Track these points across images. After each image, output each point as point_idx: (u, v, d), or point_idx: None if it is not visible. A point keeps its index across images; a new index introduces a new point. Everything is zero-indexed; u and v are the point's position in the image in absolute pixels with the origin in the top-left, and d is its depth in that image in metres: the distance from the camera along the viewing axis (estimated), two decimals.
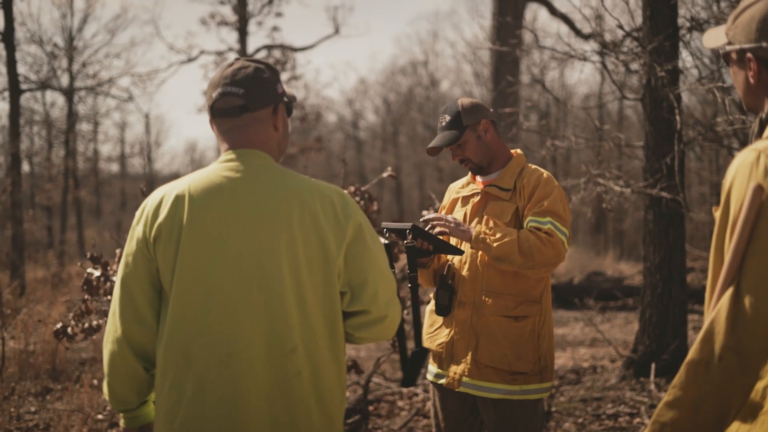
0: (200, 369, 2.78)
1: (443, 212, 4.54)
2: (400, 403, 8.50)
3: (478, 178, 4.43)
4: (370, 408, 7.91)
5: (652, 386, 8.48)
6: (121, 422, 3.08)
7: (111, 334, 2.94)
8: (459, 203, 4.46)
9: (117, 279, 2.94)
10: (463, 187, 4.51)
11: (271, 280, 2.78)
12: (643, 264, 9.27)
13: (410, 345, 8.69)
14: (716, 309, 2.25)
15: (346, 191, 6.85)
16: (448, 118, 4.34)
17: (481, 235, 4.04)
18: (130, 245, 2.91)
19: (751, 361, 2.21)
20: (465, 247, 4.26)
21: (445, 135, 4.32)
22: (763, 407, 2.32)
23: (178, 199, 2.84)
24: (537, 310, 4.20)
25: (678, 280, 8.95)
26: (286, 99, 3.06)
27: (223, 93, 2.93)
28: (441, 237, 4.25)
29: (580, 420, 7.59)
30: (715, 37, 2.67)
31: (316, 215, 2.82)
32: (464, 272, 4.25)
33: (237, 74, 2.94)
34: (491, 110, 4.44)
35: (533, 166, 4.34)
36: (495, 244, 4.00)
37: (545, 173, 4.28)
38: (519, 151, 4.45)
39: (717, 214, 2.36)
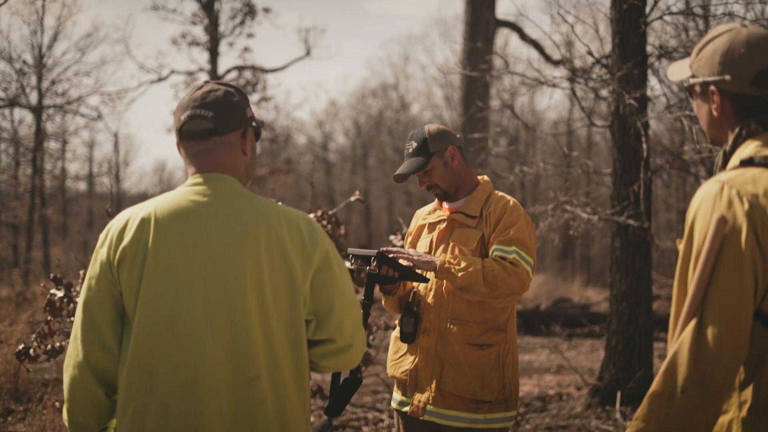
0: (164, 395, 2.73)
1: (410, 238, 4.53)
2: (365, 429, 8.45)
3: (445, 205, 4.42)
4: None
5: (618, 415, 8.49)
6: None
7: (72, 359, 2.88)
8: (425, 230, 4.44)
9: (79, 302, 2.88)
10: (430, 213, 4.48)
11: (237, 306, 2.74)
12: (610, 291, 9.29)
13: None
14: (679, 341, 2.24)
15: (313, 215, 6.84)
16: (414, 144, 4.32)
17: (446, 265, 4.02)
18: (94, 268, 2.86)
19: (715, 393, 2.20)
20: (430, 275, 4.24)
21: (412, 162, 4.30)
22: None
23: (144, 223, 2.80)
24: (502, 338, 4.19)
25: (644, 308, 8.97)
26: (254, 123, 3.03)
27: (192, 116, 2.89)
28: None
29: None
30: (680, 70, 2.68)
31: (283, 242, 2.79)
32: (429, 299, 4.23)
33: (206, 97, 2.90)
34: (458, 136, 4.43)
35: (500, 194, 4.33)
36: (459, 274, 3.98)
37: (511, 201, 4.27)
38: (486, 177, 4.44)
39: (681, 245, 2.36)
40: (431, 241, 4.34)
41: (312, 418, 8.32)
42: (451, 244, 4.23)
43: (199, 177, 2.89)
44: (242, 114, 2.95)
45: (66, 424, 2.96)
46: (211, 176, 2.88)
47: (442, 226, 4.33)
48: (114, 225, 2.87)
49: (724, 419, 2.32)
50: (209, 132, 2.88)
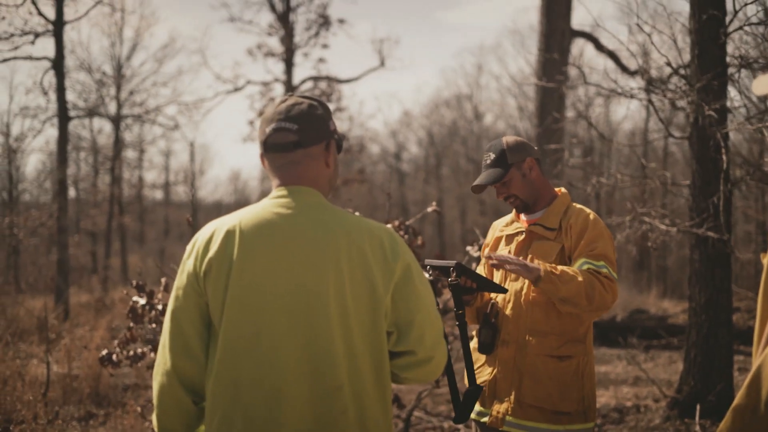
0: (249, 404, 2.78)
1: (487, 250, 4.54)
2: None
3: (523, 217, 4.41)
4: None
5: (698, 428, 8.38)
6: None
7: (161, 367, 2.95)
8: (503, 241, 4.44)
9: (167, 312, 2.96)
10: (507, 225, 4.48)
11: (319, 319, 2.78)
12: (689, 304, 9.18)
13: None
14: (764, 354, 2.24)
15: (390, 226, 6.88)
16: (492, 156, 4.33)
17: (550, 276, 3.98)
18: (181, 279, 2.93)
19: None
20: (509, 285, 4.25)
21: (490, 173, 4.30)
22: None
23: (229, 235, 2.85)
24: (581, 349, 4.18)
25: (724, 322, 8.85)
26: (336, 135, 3.07)
27: (277, 128, 2.94)
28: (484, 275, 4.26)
29: None
30: (766, 84, 2.67)
31: (365, 254, 2.82)
32: (508, 311, 4.22)
33: (291, 110, 2.95)
34: (536, 148, 4.43)
35: (578, 206, 4.32)
36: (563, 286, 3.96)
37: (592, 214, 4.26)
38: (563, 189, 4.43)
39: (766, 259, 2.36)
40: (509, 252, 4.33)
41: None
42: (529, 256, 4.23)
43: (284, 189, 2.94)
44: (326, 126, 2.99)
45: (156, 430, 3.03)
46: (294, 189, 2.93)
47: (521, 237, 4.33)
48: (200, 237, 2.94)
49: None
50: (294, 144, 2.92)
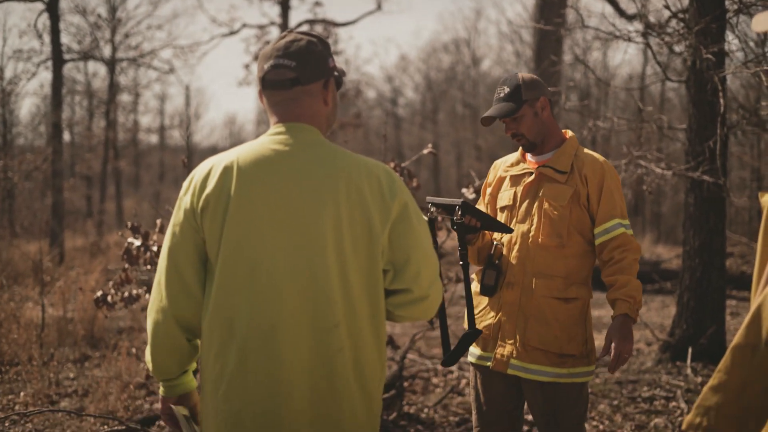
0: (244, 340, 2.79)
1: (489, 189, 4.46)
2: (434, 380, 8.52)
3: (530, 158, 4.34)
4: (405, 384, 7.92)
5: (689, 370, 8.44)
6: (161, 390, 3.09)
7: (156, 303, 2.95)
8: (507, 182, 4.35)
9: (163, 249, 2.94)
10: (512, 165, 4.39)
11: (316, 256, 2.78)
12: (683, 248, 9.20)
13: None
14: (763, 294, 2.23)
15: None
16: (507, 89, 4.23)
17: (636, 311, 4.04)
18: (178, 215, 2.91)
19: None
20: (515, 226, 4.20)
21: (503, 107, 4.21)
22: None
23: (227, 171, 2.84)
24: (585, 292, 4.18)
25: (717, 265, 8.88)
26: (336, 73, 3.04)
27: (275, 65, 2.91)
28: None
29: (615, 402, 7.57)
30: (765, 21, 2.63)
31: (362, 192, 2.81)
32: (514, 253, 4.18)
33: (290, 47, 2.92)
34: (549, 89, 4.35)
35: (588, 151, 4.27)
36: (640, 298, 4.04)
37: (605, 160, 4.22)
38: (571, 132, 4.36)
39: (765, 199, 2.34)
40: (515, 194, 4.27)
41: None
42: (540, 198, 4.17)
43: (282, 126, 2.92)
44: (324, 64, 2.96)
45: (148, 366, 3.04)
46: (293, 126, 2.91)
47: (529, 179, 4.25)
48: (197, 173, 2.92)
49: None
50: (292, 81, 2.90)
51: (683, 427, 2.29)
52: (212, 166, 2.89)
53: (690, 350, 8.73)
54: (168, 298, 2.91)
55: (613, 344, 3.95)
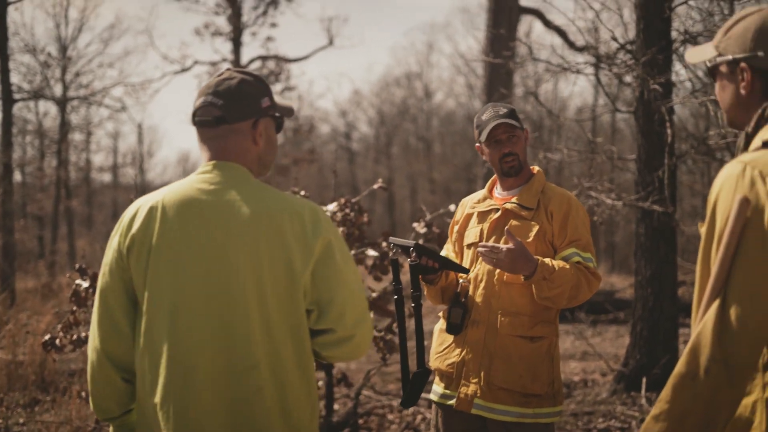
0: (167, 382, 2.80)
1: (456, 227, 4.43)
2: (390, 417, 8.46)
3: (496, 194, 4.32)
4: (360, 421, 7.88)
5: (643, 400, 8.47)
6: (111, 430, 3.10)
7: (91, 343, 2.97)
8: (474, 219, 4.33)
9: (97, 290, 2.96)
10: (479, 202, 4.36)
11: (235, 297, 2.79)
12: (635, 277, 9.26)
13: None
14: (703, 321, 2.23)
15: (336, 204, 6.84)
16: (504, 110, 4.21)
17: (543, 280, 3.91)
18: (107, 256, 2.94)
19: (738, 374, 2.19)
20: (480, 264, 4.16)
21: (509, 120, 4.18)
22: (753, 423, 2.31)
23: (152, 211, 2.87)
24: (552, 330, 4.13)
25: (669, 294, 8.94)
26: (275, 113, 3.05)
27: (203, 103, 2.94)
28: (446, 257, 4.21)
29: None
30: (700, 52, 2.67)
31: (283, 231, 2.81)
32: (479, 291, 4.14)
33: (220, 85, 2.95)
34: None
35: (555, 186, 4.27)
36: (550, 291, 3.93)
37: (572, 196, 4.21)
38: (538, 168, 4.35)
39: (703, 228, 2.36)
40: (482, 230, 4.24)
41: (336, 406, 8.34)
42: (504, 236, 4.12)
43: (209, 165, 2.94)
44: (255, 103, 2.97)
45: (92, 408, 3.04)
46: (220, 164, 2.93)
47: (495, 215, 4.23)
48: (126, 214, 2.95)
49: (747, 401, 2.31)
50: (217, 120, 2.92)
51: None
52: (139, 207, 2.92)
53: (644, 380, 8.75)
54: (100, 338, 2.93)
55: (507, 246, 3.89)
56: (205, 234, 2.81)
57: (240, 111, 2.93)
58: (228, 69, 3.05)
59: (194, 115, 2.97)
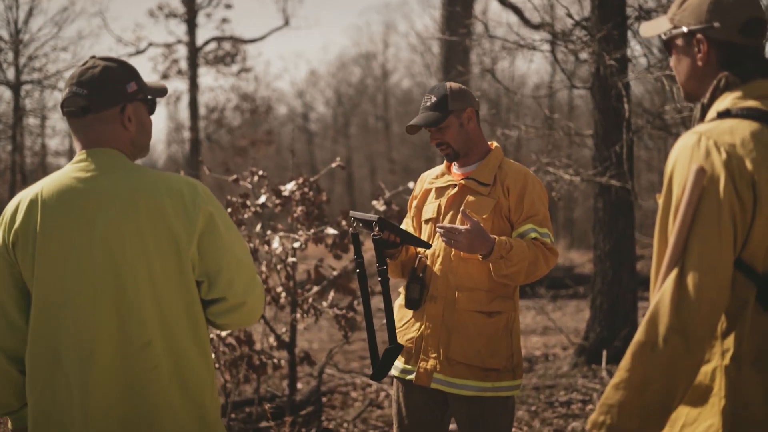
0: (67, 369, 2.84)
1: (415, 202, 4.43)
2: (353, 394, 8.50)
3: (454, 170, 4.31)
4: (324, 399, 7.90)
5: (604, 373, 8.56)
6: (10, 424, 3.12)
7: None
8: (432, 194, 4.32)
9: None
10: (437, 177, 4.36)
11: (124, 278, 2.83)
12: (593, 252, 9.34)
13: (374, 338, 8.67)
14: (661, 291, 2.26)
15: (294, 183, 6.83)
16: (434, 98, 4.20)
17: (501, 258, 3.91)
18: None
19: (696, 342, 2.22)
20: (437, 240, 4.16)
21: (429, 116, 4.18)
22: (712, 390, 2.34)
23: (32, 204, 2.89)
24: (511, 305, 4.13)
25: (628, 268, 9.03)
26: (145, 96, 3.06)
27: (69, 93, 2.96)
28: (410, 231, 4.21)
29: (533, 408, 7.64)
30: (655, 26, 2.69)
31: (164, 209, 2.85)
32: (437, 266, 4.14)
33: (84, 74, 2.96)
34: (477, 100, 4.33)
35: (513, 162, 4.27)
36: (507, 269, 3.93)
37: (529, 172, 4.21)
38: (496, 144, 4.33)
39: (660, 199, 2.38)
40: (439, 206, 4.24)
41: (300, 385, 8.36)
42: (463, 210, 4.11)
43: (83, 153, 2.96)
44: (120, 89, 2.98)
45: None
46: (93, 151, 2.95)
47: (452, 191, 4.22)
48: (8, 208, 2.97)
49: (707, 368, 2.35)
50: (83, 110, 2.94)
51: (588, 426, 2.31)
52: (20, 201, 2.94)
53: (605, 353, 8.85)
54: None
55: (465, 227, 3.89)
56: (88, 221, 2.84)
57: (104, 99, 2.95)
58: (92, 57, 3.06)
59: (62, 106, 2.99)
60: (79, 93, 2.93)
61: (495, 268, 3.95)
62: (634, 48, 10.24)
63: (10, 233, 2.89)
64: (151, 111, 3.12)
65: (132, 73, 3.03)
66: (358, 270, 4.20)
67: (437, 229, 3.95)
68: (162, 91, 3.15)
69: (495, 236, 3.94)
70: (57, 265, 2.84)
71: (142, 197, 2.85)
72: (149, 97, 3.08)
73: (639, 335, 2.27)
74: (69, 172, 2.92)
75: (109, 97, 2.95)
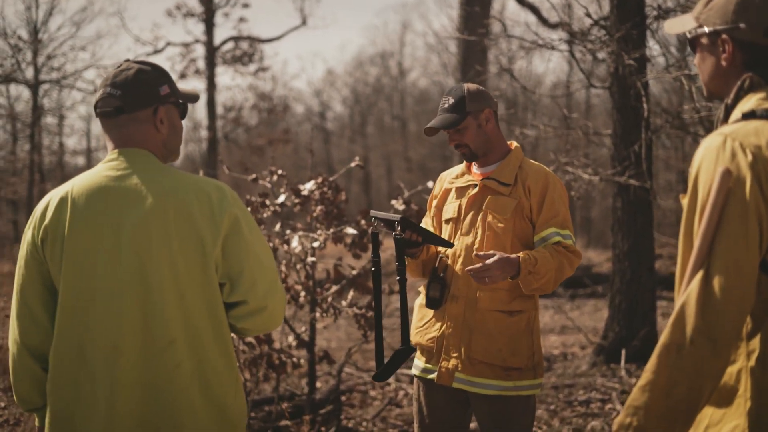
0: (92, 364, 2.88)
1: (435, 201, 4.43)
2: (372, 393, 8.51)
3: (474, 169, 4.31)
4: (343, 398, 7.91)
5: (623, 372, 8.54)
6: (36, 421, 3.15)
7: (11, 335, 3.03)
8: (453, 194, 4.32)
9: (14, 284, 3.04)
10: (457, 177, 4.36)
11: (150, 278, 2.87)
12: (612, 251, 9.33)
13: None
14: (686, 293, 2.26)
15: (314, 182, 6.84)
16: (451, 100, 4.21)
17: (528, 276, 3.91)
18: (22, 250, 3.01)
19: (722, 344, 2.22)
20: (459, 239, 4.17)
21: (446, 117, 4.20)
22: (737, 391, 2.34)
23: (62, 202, 2.94)
24: (531, 304, 4.14)
25: (646, 267, 9.01)
26: (177, 100, 3.12)
27: (103, 94, 3.01)
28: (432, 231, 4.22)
29: (552, 407, 7.63)
30: (680, 24, 2.68)
31: (191, 210, 2.89)
32: (458, 266, 4.14)
33: (118, 76, 3.02)
34: (495, 101, 4.33)
35: (533, 161, 4.27)
36: (536, 283, 3.94)
37: (550, 171, 4.21)
38: (516, 144, 4.34)
39: (685, 200, 2.38)
40: (460, 206, 4.24)
41: (319, 383, 8.37)
42: (484, 210, 4.14)
43: (115, 152, 3.01)
44: (153, 91, 3.04)
45: (15, 399, 3.11)
46: (125, 151, 3.00)
47: (473, 191, 4.22)
48: (38, 206, 3.02)
49: (732, 369, 2.34)
50: (117, 110, 3.00)
51: (614, 427, 2.31)
52: (50, 199, 2.99)
53: (623, 352, 8.83)
54: (19, 329, 2.99)
55: (491, 260, 3.87)
56: (116, 219, 2.88)
57: (138, 100, 3.00)
58: (126, 60, 3.12)
59: (96, 107, 3.04)
60: (113, 94, 2.98)
61: (525, 283, 3.95)
62: (653, 48, 10.22)
63: (40, 230, 2.93)
64: (183, 115, 3.17)
65: (165, 77, 3.09)
66: (374, 269, 4.21)
67: (468, 271, 3.93)
68: (194, 97, 3.20)
69: (517, 255, 3.94)
70: (84, 263, 2.87)
71: (170, 198, 2.89)
72: (180, 101, 3.13)
73: (665, 337, 2.27)
74: (100, 171, 2.97)
75: (142, 99, 3.00)
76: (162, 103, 3.05)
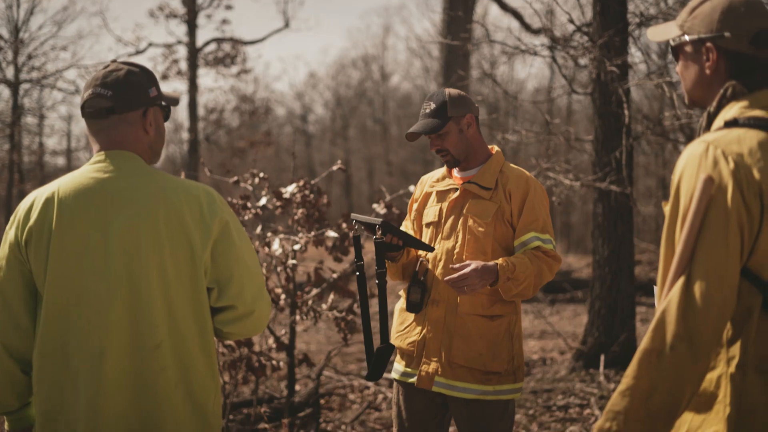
0: (77, 366, 2.86)
1: (415, 205, 4.43)
2: (351, 396, 8.51)
3: (455, 173, 4.32)
4: (322, 401, 7.91)
5: (602, 377, 8.56)
6: (6, 424, 3.11)
7: None
8: (433, 198, 4.33)
9: None
10: (438, 181, 4.36)
11: (138, 281, 2.86)
12: (592, 257, 9.36)
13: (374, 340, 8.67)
14: (667, 298, 2.27)
15: (295, 186, 6.84)
16: (432, 105, 4.21)
17: (507, 282, 3.92)
18: (3, 249, 2.97)
19: (702, 350, 2.23)
20: (440, 243, 4.17)
21: (428, 122, 4.19)
22: (717, 397, 2.35)
23: (48, 203, 2.91)
24: (512, 309, 4.14)
25: (626, 273, 9.04)
26: (162, 103, 3.11)
27: (92, 94, 2.98)
28: (411, 234, 4.22)
29: (530, 412, 7.64)
30: (663, 31, 2.69)
31: (182, 214, 2.89)
32: (438, 270, 4.15)
33: (108, 77, 2.99)
34: (476, 106, 4.33)
35: (514, 166, 4.26)
36: (516, 289, 3.94)
37: (530, 176, 4.22)
38: (497, 148, 4.34)
39: (667, 207, 2.39)
40: (441, 210, 4.24)
41: (298, 386, 8.37)
42: (465, 214, 4.15)
43: (102, 154, 2.98)
44: (143, 93, 3.02)
45: None
46: (112, 153, 2.98)
47: (454, 195, 4.22)
48: (22, 206, 2.99)
49: (712, 375, 2.36)
50: (107, 110, 2.97)
51: None
52: (35, 199, 2.96)
53: (602, 357, 8.86)
54: None
55: (467, 269, 3.87)
56: (104, 221, 2.86)
57: (129, 101, 2.98)
58: (113, 61, 3.10)
59: (83, 107, 3.00)
60: (103, 94, 2.95)
61: (504, 290, 3.96)
62: (634, 54, 10.27)
63: (24, 231, 2.90)
64: (167, 118, 3.15)
65: (152, 79, 3.08)
66: (357, 273, 4.22)
67: (446, 281, 3.93)
68: (176, 101, 3.18)
69: (496, 262, 3.95)
70: (71, 264, 2.85)
71: (160, 201, 2.88)
72: (164, 104, 3.12)
73: (645, 343, 2.28)
74: (87, 172, 2.94)
75: (133, 100, 2.98)
76: (151, 105, 3.04)
